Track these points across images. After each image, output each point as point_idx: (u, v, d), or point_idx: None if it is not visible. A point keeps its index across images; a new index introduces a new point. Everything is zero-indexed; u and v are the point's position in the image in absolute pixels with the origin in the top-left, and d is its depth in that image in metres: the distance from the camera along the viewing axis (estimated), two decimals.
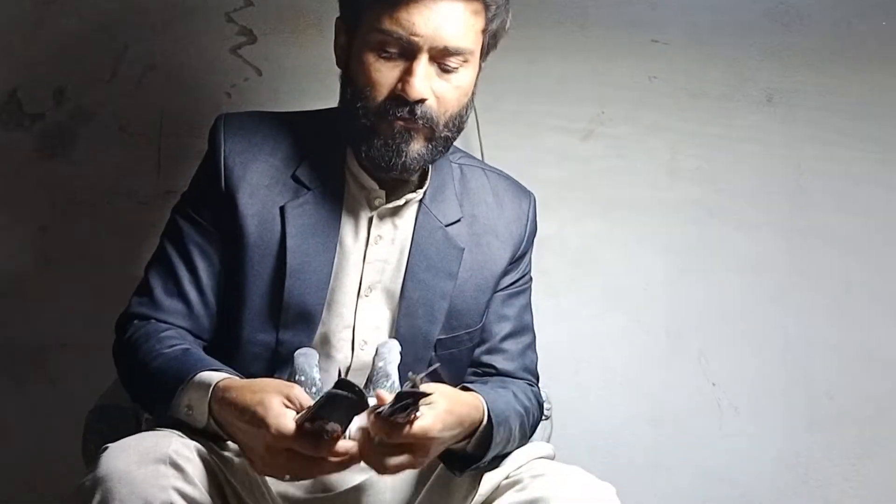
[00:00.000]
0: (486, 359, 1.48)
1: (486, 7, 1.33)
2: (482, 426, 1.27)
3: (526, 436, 1.40)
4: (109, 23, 1.90)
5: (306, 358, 1.25)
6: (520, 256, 1.49)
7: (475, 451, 1.29)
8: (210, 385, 1.20)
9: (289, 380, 1.23)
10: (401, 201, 1.40)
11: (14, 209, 1.92)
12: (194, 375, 1.22)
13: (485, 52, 1.37)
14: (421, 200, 1.41)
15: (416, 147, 1.32)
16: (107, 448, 1.17)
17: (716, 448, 2.07)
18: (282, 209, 1.36)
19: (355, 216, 1.39)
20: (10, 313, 1.93)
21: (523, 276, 1.51)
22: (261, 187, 1.36)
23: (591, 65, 2.00)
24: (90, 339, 1.75)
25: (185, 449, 1.16)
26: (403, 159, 1.32)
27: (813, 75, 2.02)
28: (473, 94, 1.38)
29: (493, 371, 1.48)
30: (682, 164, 2.03)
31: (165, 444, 1.15)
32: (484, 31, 1.35)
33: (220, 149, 1.38)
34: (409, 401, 1.10)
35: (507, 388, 1.41)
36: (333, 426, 1.10)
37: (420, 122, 1.31)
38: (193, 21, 1.91)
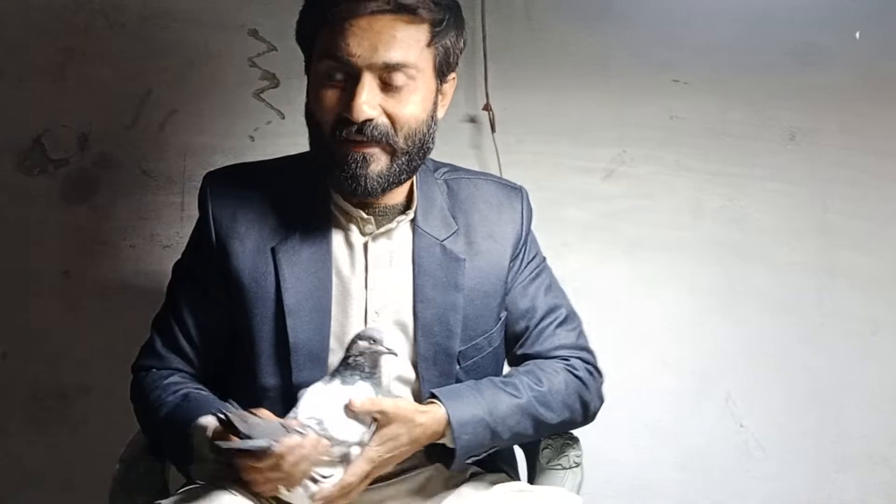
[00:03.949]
0: (520, 351, 1.49)
1: (427, 21, 1.31)
2: (445, 437, 1.33)
3: (548, 418, 1.40)
4: (132, 68, 1.92)
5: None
6: (521, 249, 1.49)
7: (458, 451, 1.33)
8: (205, 429, 1.28)
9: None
10: (392, 224, 1.41)
11: (38, 254, 1.93)
12: (195, 421, 1.30)
13: (438, 69, 1.35)
14: (413, 221, 1.42)
15: (377, 168, 1.33)
16: None
17: (744, 491, 2.04)
18: (273, 252, 1.38)
19: (349, 245, 1.41)
20: (33, 358, 1.93)
21: (530, 263, 1.50)
22: (250, 235, 1.40)
23: (613, 105, 2.00)
24: (113, 384, 1.72)
25: None
26: (364, 184, 1.33)
27: (836, 113, 2.01)
28: (436, 117, 1.37)
29: (530, 359, 1.48)
30: (706, 203, 2.02)
31: None
32: (430, 45, 1.33)
33: (208, 205, 1.43)
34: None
35: (508, 383, 1.40)
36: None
37: (373, 142, 1.31)
38: (216, 66, 1.93)
